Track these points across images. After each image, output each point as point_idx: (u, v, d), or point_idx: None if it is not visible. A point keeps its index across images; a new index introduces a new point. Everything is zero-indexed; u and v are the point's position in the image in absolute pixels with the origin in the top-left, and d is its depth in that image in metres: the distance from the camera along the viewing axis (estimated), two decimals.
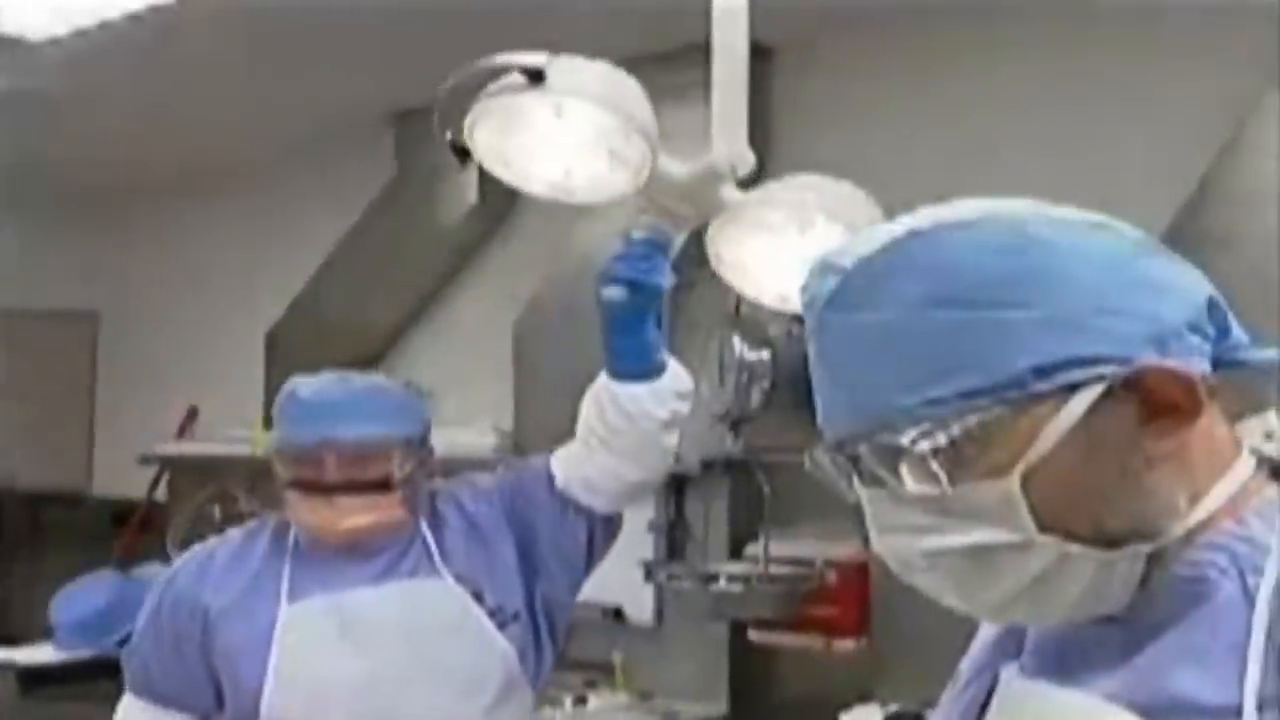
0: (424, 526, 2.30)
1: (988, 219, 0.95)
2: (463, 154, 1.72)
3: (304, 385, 2.29)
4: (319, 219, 5.35)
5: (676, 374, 2.23)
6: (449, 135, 1.69)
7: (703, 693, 4.07)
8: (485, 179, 4.81)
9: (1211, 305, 0.95)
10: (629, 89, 1.67)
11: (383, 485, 2.22)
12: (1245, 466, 0.96)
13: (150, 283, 6.30)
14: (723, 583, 3.63)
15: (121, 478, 5.93)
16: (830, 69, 3.82)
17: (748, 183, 1.90)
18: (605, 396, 2.18)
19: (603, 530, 2.34)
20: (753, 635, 3.93)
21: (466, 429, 4.65)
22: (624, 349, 2.14)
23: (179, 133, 5.38)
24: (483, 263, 5.07)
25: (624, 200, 1.86)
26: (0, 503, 6.09)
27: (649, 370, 2.17)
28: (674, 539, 4.14)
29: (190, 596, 2.24)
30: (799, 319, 1.81)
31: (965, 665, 1.12)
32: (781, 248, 1.82)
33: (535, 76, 1.60)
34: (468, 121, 1.66)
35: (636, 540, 4.12)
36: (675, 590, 3.77)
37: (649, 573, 3.92)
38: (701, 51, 3.63)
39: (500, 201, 4.95)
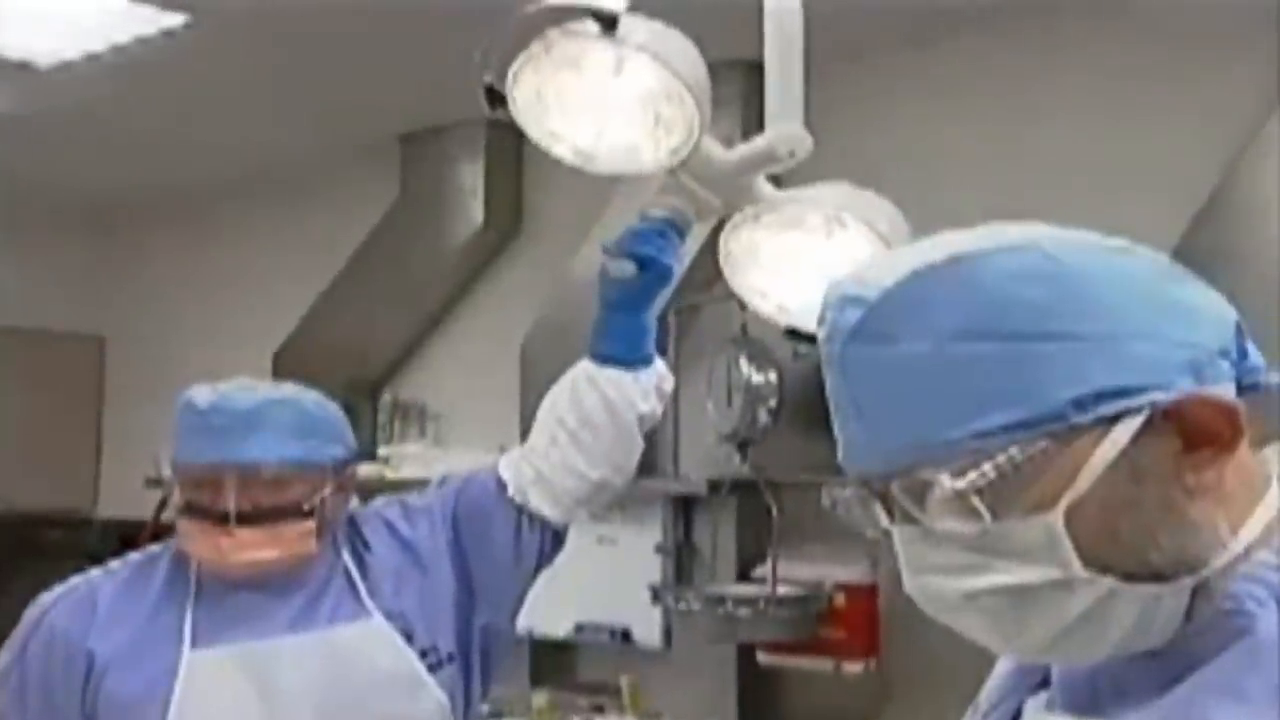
0: (345, 557, 2.00)
1: (1014, 245, 0.92)
2: (495, 99, 1.61)
3: (203, 393, 1.96)
4: (325, 240, 5.35)
5: (661, 370, 2.00)
6: (488, 76, 1.58)
7: (711, 715, 4.05)
8: (491, 201, 4.86)
9: (1237, 329, 0.94)
10: (695, 57, 1.58)
11: (293, 513, 1.91)
12: (1275, 495, 0.94)
13: (157, 305, 6.30)
14: (731, 605, 3.61)
15: (128, 499, 5.92)
16: (847, 82, 3.82)
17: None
18: (584, 381, 1.96)
19: (551, 548, 2.04)
20: (761, 658, 3.91)
21: (473, 450, 4.63)
22: (618, 329, 1.93)
23: (186, 155, 5.39)
24: (489, 284, 5.07)
25: (648, 180, 1.76)
26: (4, 524, 6.07)
27: (638, 358, 1.96)
28: (681, 561, 4.12)
29: (68, 640, 1.91)
30: (800, 336, 1.78)
31: (985, 695, 1.09)
32: (806, 250, 1.73)
33: (608, 25, 1.53)
34: (515, 64, 1.57)
35: (644, 562, 4.11)
36: (683, 612, 3.75)
37: (657, 595, 3.91)
38: (739, 67, 3.63)
39: (506, 223, 4.95)
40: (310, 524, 1.93)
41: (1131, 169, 3.52)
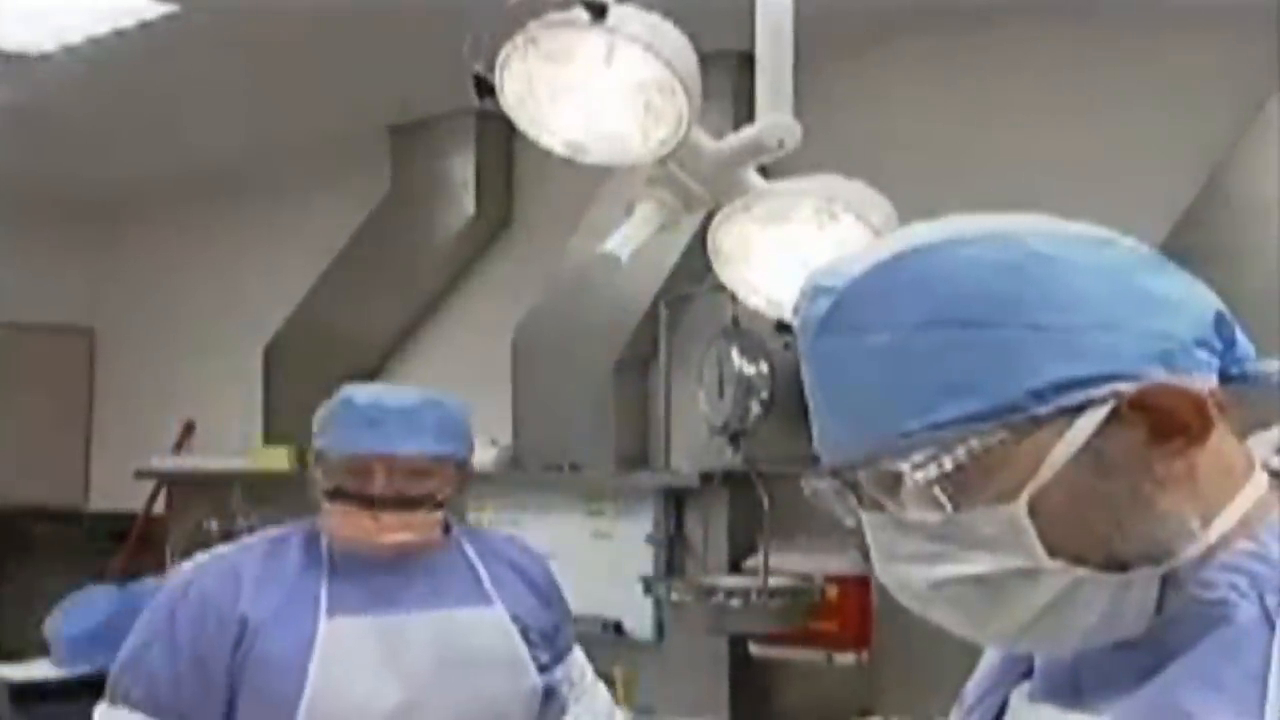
0: (468, 550, 2.32)
1: (985, 235, 0.92)
2: (483, 89, 1.62)
3: (361, 392, 2.26)
4: (316, 232, 5.34)
5: None
6: (476, 66, 1.60)
7: (704, 707, 4.05)
8: (481, 193, 4.85)
9: (1218, 319, 0.92)
10: (684, 47, 1.58)
11: (429, 503, 2.20)
12: (1258, 483, 0.93)
13: (147, 297, 6.29)
14: (722, 597, 3.61)
15: (119, 492, 5.91)
16: (836, 75, 3.81)
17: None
18: None
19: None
20: (753, 649, 3.91)
21: None
22: None
23: (176, 147, 5.37)
24: (480, 275, 5.06)
25: (637, 171, 1.76)
26: None
27: None
28: (673, 553, 4.12)
29: (219, 606, 2.16)
30: (790, 329, 1.77)
31: (971, 688, 1.09)
32: (796, 242, 1.73)
33: (598, 13, 1.53)
34: (503, 53, 1.57)
35: (636, 554, 4.11)
36: (675, 604, 3.75)
37: (648, 587, 3.91)
38: (729, 58, 3.59)
39: (497, 214, 4.94)
40: (440, 514, 2.25)
41: (1123, 162, 3.51)
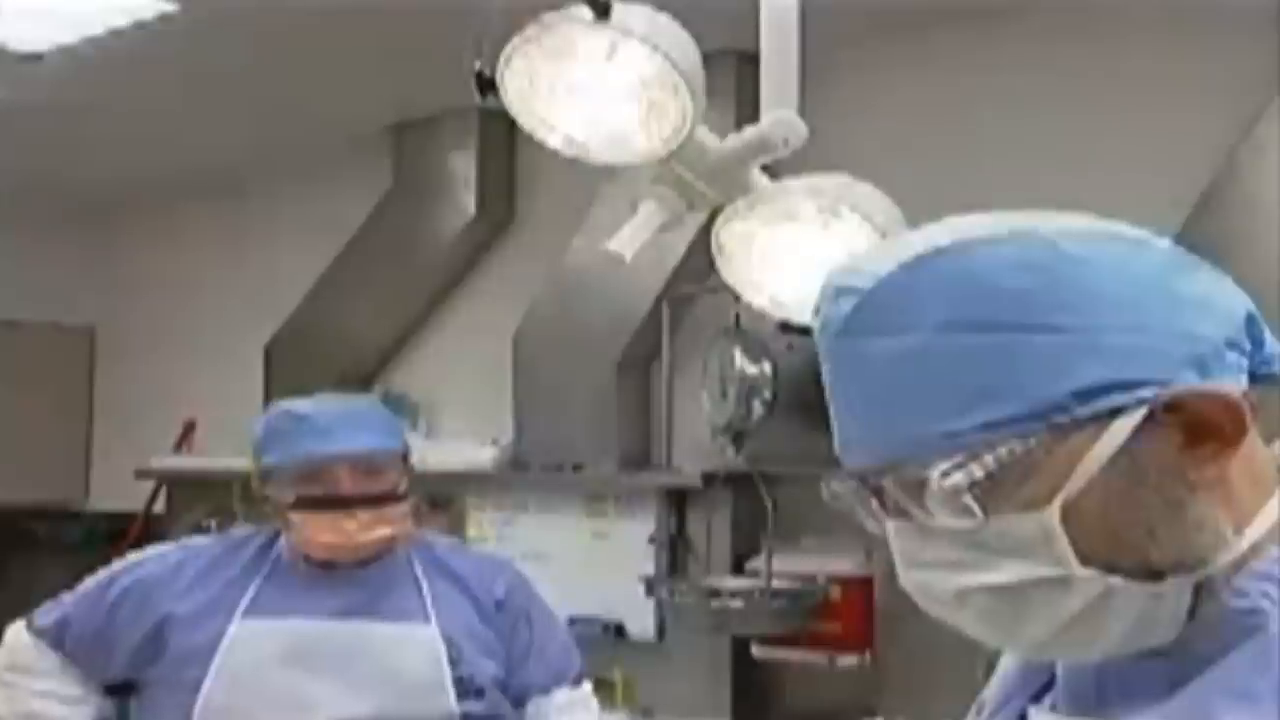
0: (415, 566, 2.29)
1: (1013, 234, 0.89)
2: (485, 87, 1.61)
3: (299, 404, 2.27)
4: (317, 232, 5.32)
5: None
6: (478, 63, 1.59)
7: (705, 709, 4.04)
8: (483, 191, 4.84)
9: (1249, 319, 0.90)
10: (687, 44, 1.57)
11: (395, 497, 2.23)
12: None
13: (147, 296, 6.28)
14: (725, 598, 3.60)
15: (119, 492, 5.90)
16: (840, 72, 3.80)
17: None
18: None
19: None
20: (756, 651, 3.90)
21: (466, 443, 4.62)
22: None
23: (176, 146, 5.36)
24: (482, 274, 5.05)
25: (641, 170, 1.75)
26: None
27: None
28: (675, 554, 4.11)
29: (146, 594, 2.24)
30: (793, 329, 1.76)
31: (988, 695, 1.07)
32: (800, 241, 1.71)
33: (602, 12, 1.52)
34: (506, 50, 1.56)
35: (637, 555, 4.10)
36: (677, 605, 3.74)
37: (650, 588, 3.89)
38: (730, 57, 3.57)
39: (499, 213, 4.93)
40: (406, 506, 2.25)
41: (1131, 158, 3.50)
